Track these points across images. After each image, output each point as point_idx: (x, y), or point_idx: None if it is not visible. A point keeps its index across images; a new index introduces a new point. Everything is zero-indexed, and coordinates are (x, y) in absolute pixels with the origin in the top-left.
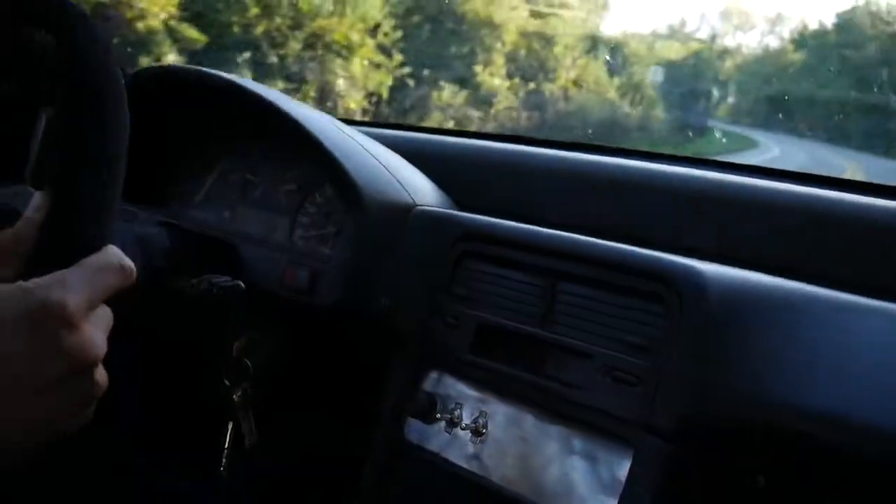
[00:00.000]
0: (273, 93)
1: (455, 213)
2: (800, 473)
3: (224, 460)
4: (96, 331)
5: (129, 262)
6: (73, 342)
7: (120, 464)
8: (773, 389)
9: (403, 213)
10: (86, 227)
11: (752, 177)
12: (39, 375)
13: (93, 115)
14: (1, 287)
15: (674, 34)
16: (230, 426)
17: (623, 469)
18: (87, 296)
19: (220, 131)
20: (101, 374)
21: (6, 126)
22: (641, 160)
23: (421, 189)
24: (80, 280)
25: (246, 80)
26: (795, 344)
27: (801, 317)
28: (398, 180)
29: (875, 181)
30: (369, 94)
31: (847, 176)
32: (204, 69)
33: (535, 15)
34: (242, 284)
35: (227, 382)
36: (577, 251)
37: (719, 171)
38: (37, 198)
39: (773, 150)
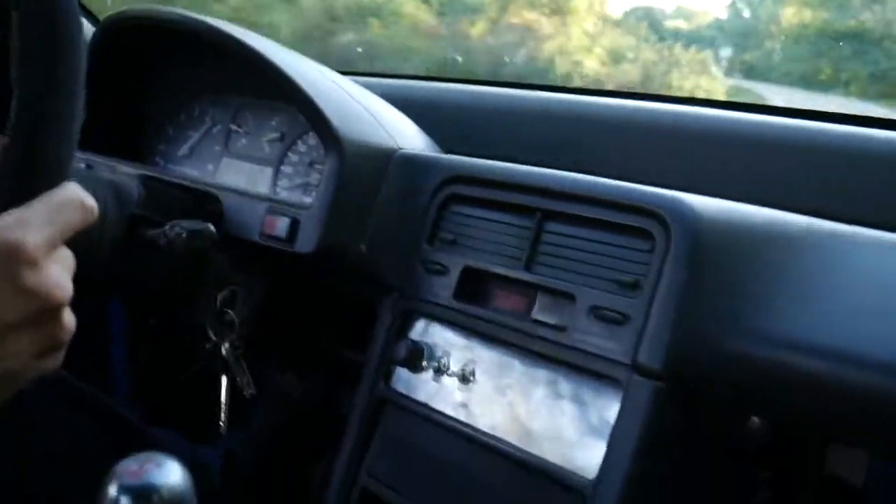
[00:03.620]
0: (256, 38)
1: (439, 155)
2: (798, 413)
3: (222, 414)
4: (60, 270)
5: (90, 200)
6: (36, 281)
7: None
8: (767, 324)
9: (386, 157)
10: (43, 163)
11: (742, 112)
12: (2, 317)
13: (48, 44)
14: None
15: None
16: (224, 380)
17: (612, 411)
18: (47, 233)
19: (205, 81)
20: (68, 317)
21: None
22: (627, 100)
23: (404, 133)
24: (39, 217)
25: (228, 25)
26: (789, 277)
27: (795, 249)
28: (380, 124)
29: None
30: None
31: None
32: (184, 12)
33: None
34: (212, 227)
35: (212, 336)
36: (565, 187)
37: (707, 108)
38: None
39: None
